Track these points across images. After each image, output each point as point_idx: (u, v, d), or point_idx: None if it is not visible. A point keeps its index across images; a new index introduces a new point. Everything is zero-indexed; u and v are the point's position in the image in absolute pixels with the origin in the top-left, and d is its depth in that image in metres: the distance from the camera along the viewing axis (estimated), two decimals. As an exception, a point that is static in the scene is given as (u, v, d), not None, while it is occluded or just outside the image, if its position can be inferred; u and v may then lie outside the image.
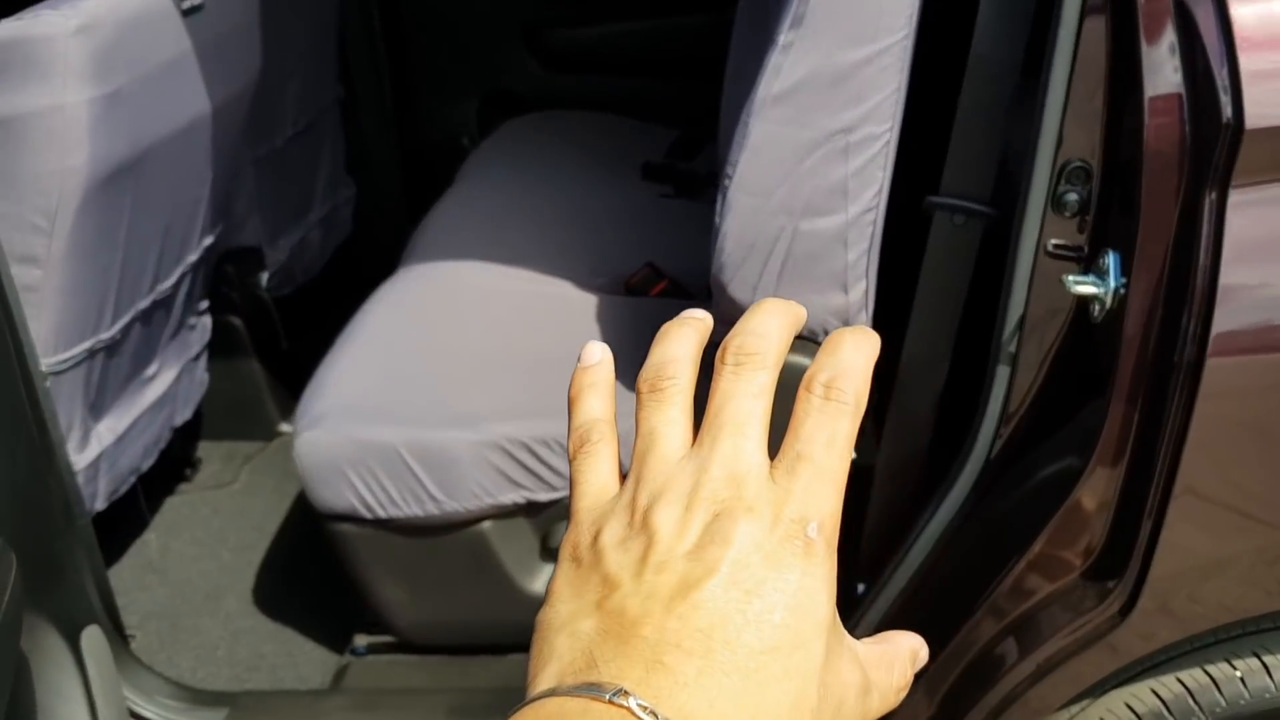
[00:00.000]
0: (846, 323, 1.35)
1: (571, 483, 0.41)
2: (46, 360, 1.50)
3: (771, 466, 0.38)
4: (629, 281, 1.92)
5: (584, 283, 1.91)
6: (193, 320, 1.99)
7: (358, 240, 2.86)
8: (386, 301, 1.79)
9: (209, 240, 1.90)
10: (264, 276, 2.34)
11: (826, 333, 1.31)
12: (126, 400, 1.76)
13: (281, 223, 2.40)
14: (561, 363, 1.65)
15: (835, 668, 0.36)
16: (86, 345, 1.56)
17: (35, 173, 1.38)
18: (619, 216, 2.16)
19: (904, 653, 0.40)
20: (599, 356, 0.44)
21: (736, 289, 1.34)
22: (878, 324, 1.38)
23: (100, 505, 1.73)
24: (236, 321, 2.20)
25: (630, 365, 1.49)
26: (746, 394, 0.40)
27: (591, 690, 0.33)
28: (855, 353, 0.40)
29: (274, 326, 2.34)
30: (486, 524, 1.49)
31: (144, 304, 1.70)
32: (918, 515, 1.39)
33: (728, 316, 1.40)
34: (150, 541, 2.05)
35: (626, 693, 0.32)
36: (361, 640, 1.67)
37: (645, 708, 0.32)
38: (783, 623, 0.34)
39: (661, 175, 2.37)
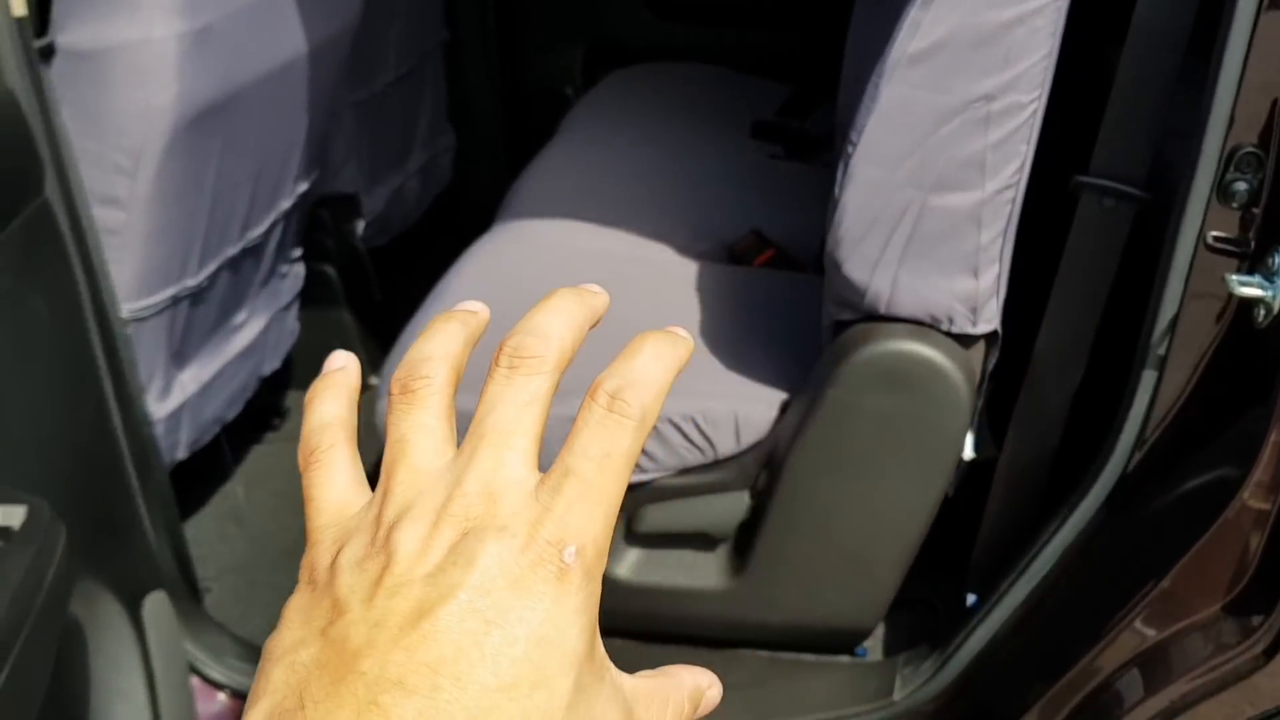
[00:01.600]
0: (974, 310, 1.23)
1: (305, 499, 0.37)
2: (128, 306, 1.46)
3: (539, 482, 0.34)
4: (732, 249, 1.81)
5: (684, 248, 1.80)
6: (284, 268, 1.94)
7: (456, 191, 2.79)
8: (476, 260, 1.70)
9: (303, 186, 1.84)
10: (360, 225, 2.28)
11: (951, 320, 1.19)
12: (212, 349, 1.72)
13: (379, 170, 2.34)
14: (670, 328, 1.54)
15: (589, 707, 0.32)
16: (171, 292, 1.51)
17: (119, 110, 1.32)
18: (725, 177, 2.05)
19: (684, 689, 0.37)
20: (341, 363, 0.40)
21: (853, 267, 1.23)
22: (1009, 312, 1.25)
23: (182, 455, 1.69)
24: (329, 270, 2.15)
25: (727, 340, 1.38)
26: (516, 401, 0.36)
27: None
28: (653, 362, 0.37)
29: (368, 277, 2.28)
30: (570, 503, 1.41)
31: (233, 251, 1.64)
32: (1041, 525, 1.27)
33: (840, 296, 1.29)
34: (233, 492, 2.02)
35: None
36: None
37: None
38: (524, 657, 0.31)
39: (772, 134, 2.25)
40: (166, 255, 1.47)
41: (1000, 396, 1.35)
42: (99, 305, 1.35)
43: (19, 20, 1.18)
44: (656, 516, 1.41)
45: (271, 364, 1.95)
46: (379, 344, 2.27)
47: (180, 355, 1.63)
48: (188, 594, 1.51)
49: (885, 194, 1.18)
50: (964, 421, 1.27)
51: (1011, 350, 1.29)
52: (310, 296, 2.15)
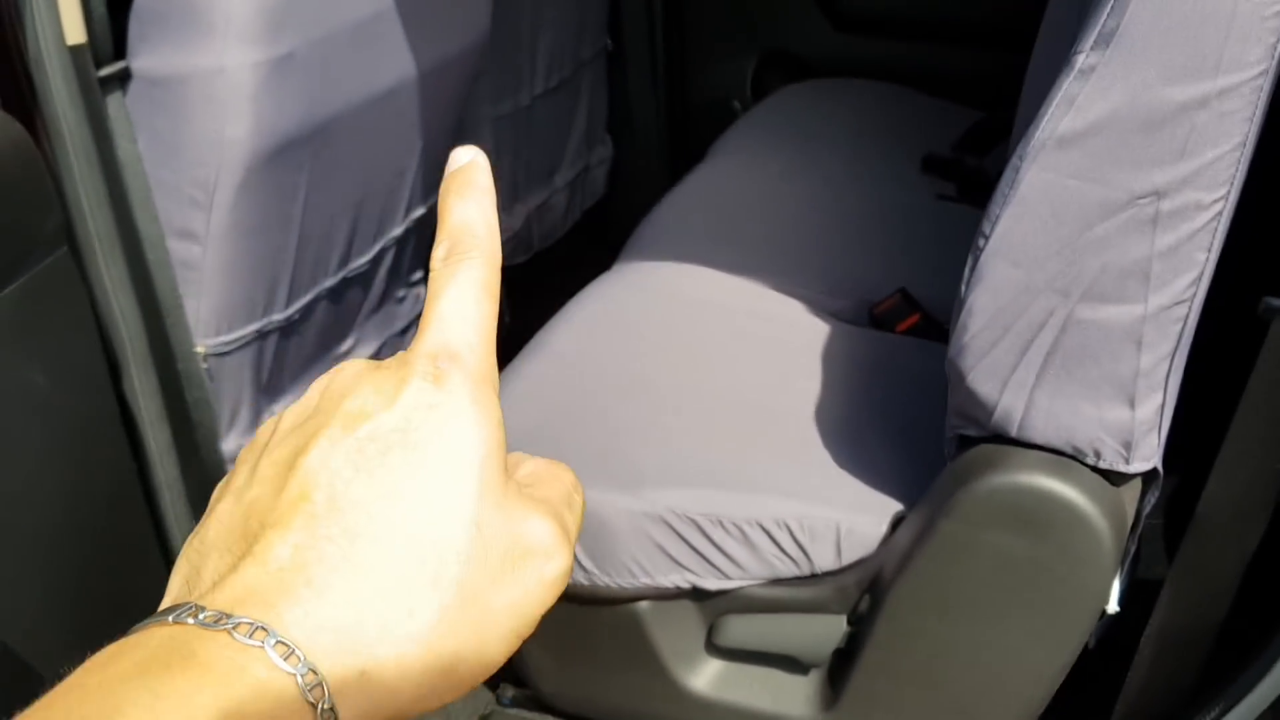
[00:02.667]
0: (1128, 445, 1.00)
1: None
2: (208, 341, 1.39)
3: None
4: (874, 309, 1.61)
5: (817, 304, 1.61)
6: (401, 292, 1.85)
7: (610, 205, 2.66)
8: (584, 307, 1.56)
9: (419, 211, 1.74)
10: (495, 243, 2.18)
11: (1098, 454, 0.97)
12: (310, 379, 1.64)
13: (520, 187, 2.23)
14: (763, 416, 1.38)
15: (494, 507, 0.32)
16: (256, 326, 1.44)
17: (192, 141, 1.24)
18: (881, 220, 1.83)
19: (570, 473, 0.38)
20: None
21: (980, 380, 1.02)
22: (1170, 449, 1.02)
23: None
24: (454, 292, 2.05)
25: (844, 429, 1.15)
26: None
27: (187, 613, 0.30)
28: (464, 206, 0.37)
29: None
30: (643, 604, 1.25)
31: (330, 282, 1.56)
32: (1196, 709, 1.03)
33: (963, 409, 1.08)
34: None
35: (227, 616, 0.29)
36: (508, 691, 1.48)
37: (253, 627, 0.29)
38: (404, 462, 0.32)
39: (945, 170, 2.01)
40: (248, 290, 1.39)
41: (1152, 549, 1.11)
42: (162, 345, 1.28)
43: (74, 48, 1.10)
44: (740, 630, 1.24)
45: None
46: (505, 367, 2.16)
47: (272, 388, 1.55)
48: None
49: (1023, 299, 0.97)
50: (1107, 574, 1.04)
51: (1176, 496, 1.05)
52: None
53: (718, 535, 1.20)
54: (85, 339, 1.11)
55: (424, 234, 1.83)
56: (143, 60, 1.22)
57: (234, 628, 0.29)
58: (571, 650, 1.33)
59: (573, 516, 0.36)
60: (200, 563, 0.32)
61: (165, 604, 0.32)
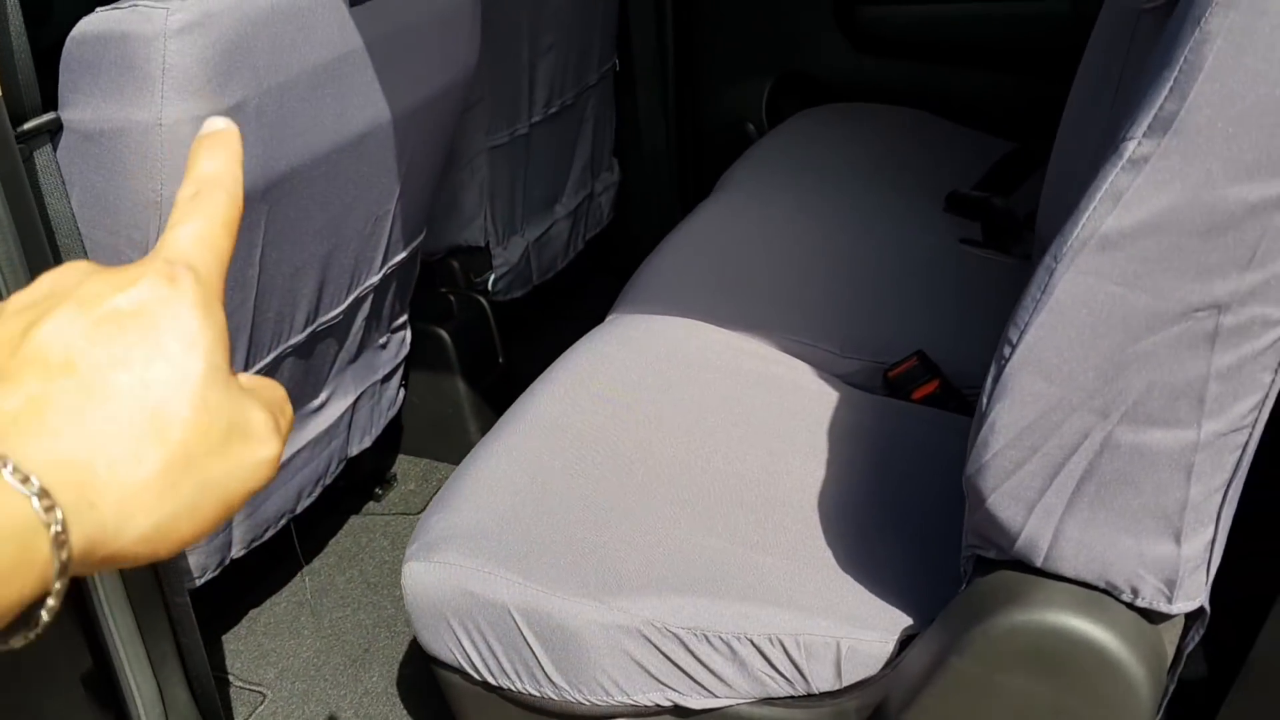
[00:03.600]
0: (1171, 584, 0.86)
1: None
2: (155, 410, 1.26)
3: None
4: (889, 373, 1.47)
5: (828, 365, 1.47)
6: (382, 339, 1.73)
7: (618, 233, 2.53)
8: (572, 367, 1.43)
9: (399, 256, 1.61)
10: (489, 279, 2.06)
11: (1136, 592, 0.83)
12: (276, 438, 1.52)
13: (518, 219, 2.10)
14: (760, 507, 1.22)
15: (218, 388, 0.35)
16: (209, 392, 1.31)
17: (128, 200, 1.12)
18: (897, 268, 1.70)
19: (281, 388, 0.41)
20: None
21: (1002, 504, 0.88)
22: (1217, 599, 0.88)
23: (237, 552, 1.51)
24: (442, 333, 1.93)
25: (846, 527, 0.96)
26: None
27: None
28: (213, 160, 0.41)
29: (490, 337, 2.06)
30: (620, 722, 1.13)
31: (297, 339, 1.43)
32: None
33: (982, 531, 0.95)
34: (319, 571, 1.84)
35: None
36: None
37: None
38: (138, 337, 0.34)
39: (969, 209, 1.86)
40: (200, 355, 1.27)
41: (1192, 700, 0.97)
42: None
43: (-13, 104, 0.98)
44: (728, 751, 1.11)
45: (360, 443, 1.75)
46: (496, 411, 2.04)
47: (231, 451, 1.43)
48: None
49: (1054, 416, 0.83)
50: (1144, 724, 0.90)
51: (1219, 645, 0.92)
52: (422, 360, 1.94)
53: (703, 651, 1.07)
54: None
55: (403, 279, 1.71)
56: (74, 112, 1.10)
57: None
58: (547, 763, 1.20)
59: (284, 420, 0.39)
60: None
61: None
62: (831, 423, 1.35)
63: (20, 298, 0.37)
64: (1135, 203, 0.76)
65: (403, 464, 2.07)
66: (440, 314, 1.98)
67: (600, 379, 1.41)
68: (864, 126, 2.19)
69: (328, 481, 1.68)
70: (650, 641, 1.07)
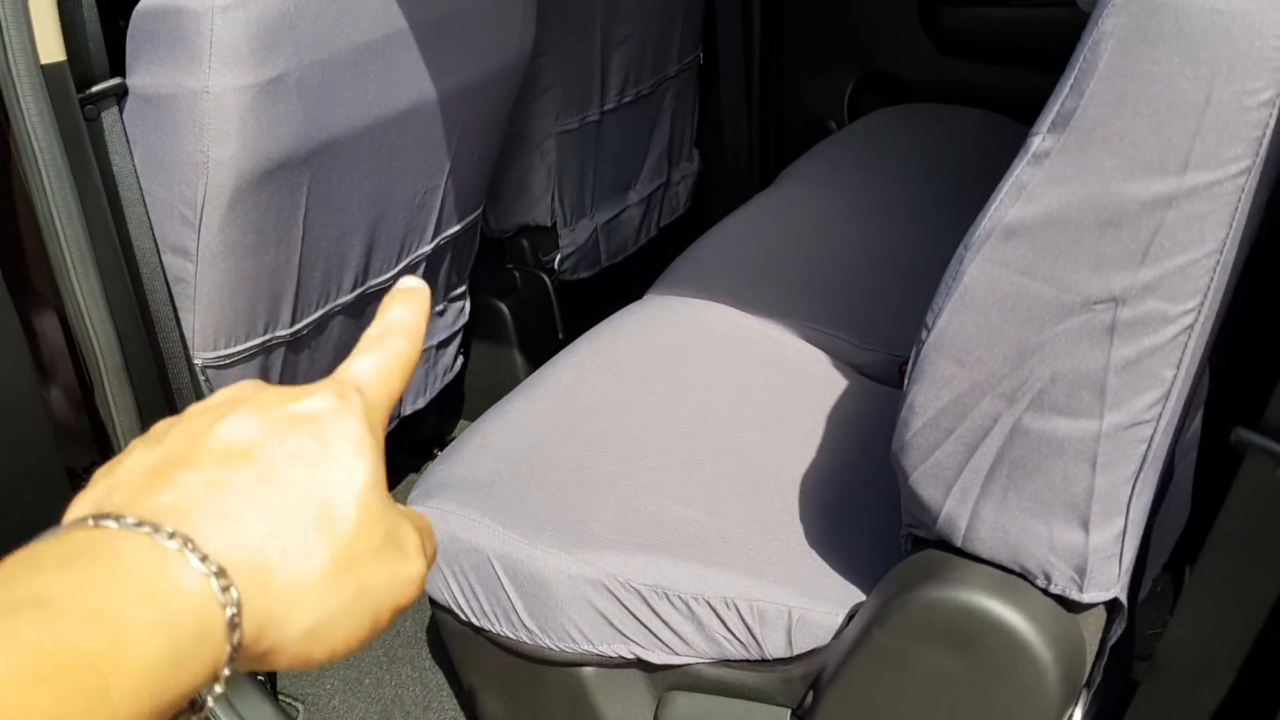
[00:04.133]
0: (1081, 572, 0.89)
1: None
2: (205, 354, 1.39)
3: None
4: (903, 367, 1.49)
5: (846, 355, 1.51)
6: (439, 306, 1.84)
7: (696, 221, 2.59)
8: (597, 340, 1.51)
9: (453, 229, 1.71)
10: (556, 258, 2.15)
11: (1049, 578, 0.87)
12: (327, 391, 1.63)
13: (587, 203, 2.18)
14: (744, 481, 1.27)
15: (379, 498, 0.37)
16: (257, 341, 1.44)
17: (180, 160, 1.24)
18: (936, 264, 1.71)
19: (428, 524, 0.42)
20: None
21: (923, 483, 0.92)
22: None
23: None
24: (502, 306, 2.03)
25: (821, 505, 1.09)
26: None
27: (107, 519, 0.33)
28: (403, 309, 0.44)
29: (551, 313, 2.14)
30: (589, 670, 1.19)
31: (346, 299, 1.54)
32: None
33: (909, 507, 0.98)
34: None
35: (149, 523, 0.32)
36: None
37: (172, 532, 0.32)
38: (310, 438, 0.36)
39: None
40: (248, 306, 1.39)
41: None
42: (146, 358, 1.29)
43: (49, 67, 1.11)
44: (686, 710, 1.17)
45: (415, 403, 1.85)
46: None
47: (281, 399, 1.55)
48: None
49: (966, 400, 0.87)
50: (1053, 709, 0.93)
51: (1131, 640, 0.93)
52: (483, 331, 2.04)
53: (663, 608, 1.13)
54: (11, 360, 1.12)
55: (459, 251, 1.81)
56: (137, 78, 1.22)
57: (155, 531, 0.32)
58: (521, 707, 1.28)
59: (429, 545, 0.41)
60: (108, 494, 0.35)
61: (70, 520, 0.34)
62: (834, 408, 1.39)
63: (200, 404, 0.39)
64: (1037, 195, 0.79)
65: (462, 429, 2.18)
66: (504, 288, 2.08)
67: (618, 354, 1.48)
68: (937, 127, 2.20)
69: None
70: (614, 595, 1.14)
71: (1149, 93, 0.73)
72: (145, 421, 1.30)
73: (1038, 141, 0.79)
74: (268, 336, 1.45)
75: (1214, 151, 0.73)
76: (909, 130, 2.19)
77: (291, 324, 1.47)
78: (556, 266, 2.16)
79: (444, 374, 1.93)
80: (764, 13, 2.42)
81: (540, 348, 2.13)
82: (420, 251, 1.66)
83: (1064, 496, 0.86)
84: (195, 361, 1.39)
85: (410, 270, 1.67)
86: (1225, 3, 0.69)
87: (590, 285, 2.28)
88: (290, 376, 1.54)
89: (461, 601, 1.22)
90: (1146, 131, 0.74)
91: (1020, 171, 0.80)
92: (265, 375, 1.49)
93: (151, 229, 1.29)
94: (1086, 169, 0.76)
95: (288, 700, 1.64)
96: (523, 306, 2.08)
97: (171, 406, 1.35)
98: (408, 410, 1.85)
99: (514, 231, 2.13)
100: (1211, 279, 0.77)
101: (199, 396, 1.40)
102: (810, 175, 2.03)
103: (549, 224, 2.11)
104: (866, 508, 1.21)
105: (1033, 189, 0.79)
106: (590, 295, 2.31)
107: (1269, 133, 0.72)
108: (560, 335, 2.17)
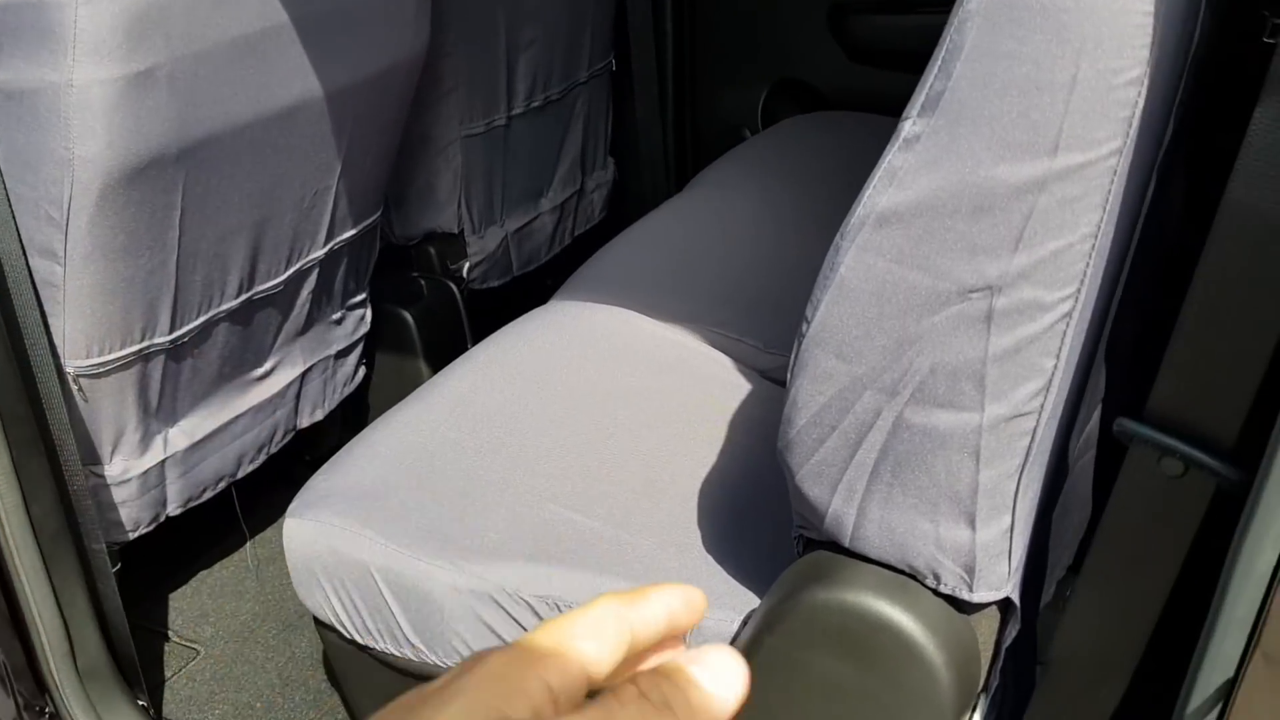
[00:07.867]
0: (970, 570, 0.86)
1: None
2: (77, 363, 1.33)
3: None
4: (808, 371, 1.47)
5: (750, 358, 1.49)
6: (336, 314, 1.78)
7: (610, 230, 2.55)
8: (495, 346, 1.46)
9: (348, 234, 1.66)
10: (464, 266, 2.10)
11: (938, 577, 0.84)
12: (215, 403, 1.57)
13: (495, 209, 2.14)
14: (644, 487, 1.23)
15: None
16: (134, 349, 1.37)
17: (45, 157, 1.18)
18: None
19: None
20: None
21: (808, 481, 0.89)
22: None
23: (173, 510, 1.57)
24: (405, 315, 1.98)
25: (724, 506, 1.03)
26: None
27: None
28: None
29: (459, 323, 2.10)
30: (477, 685, 1.15)
31: (230, 304, 1.49)
32: None
33: (797, 507, 0.96)
34: (270, 539, 1.90)
35: None
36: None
37: None
38: None
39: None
40: (121, 312, 1.33)
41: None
42: (18, 366, 1.23)
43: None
44: None
45: (312, 415, 1.79)
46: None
47: (164, 410, 1.49)
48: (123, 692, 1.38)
49: (848, 394, 0.84)
50: (946, 713, 0.90)
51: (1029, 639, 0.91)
52: (387, 341, 1.99)
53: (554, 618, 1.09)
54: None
55: (356, 257, 1.76)
56: (0, 73, 1.16)
57: None
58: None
59: None
60: None
61: None
62: (737, 412, 1.37)
63: None
64: (909, 181, 0.76)
65: (370, 443, 2.12)
66: (409, 297, 2.02)
67: (517, 360, 1.44)
68: (847, 135, 2.19)
69: (273, 450, 1.73)
70: (502, 607, 1.09)
71: (1016, 72, 0.71)
72: (10, 434, 1.23)
73: (908, 126, 0.77)
74: (145, 344, 1.39)
75: (1083, 132, 0.71)
76: (820, 137, 2.19)
77: (171, 330, 1.41)
78: (465, 275, 2.11)
79: (344, 385, 1.87)
80: (676, 21, 2.40)
81: (447, 358, 2.07)
82: (312, 256, 1.61)
83: (949, 492, 0.84)
84: (67, 370, 1.33)
85: (301, 276, 1.61)
86: (1090, -22, 0.67)
87: (505, 294, 2.24)
88: (172, 386, 1.48)
89: (344, 618, 1.17)
90: (1015, 113, 0.72)
91: (891, 157, 0.77)
92: (144, 384, 1.43)
93: (17, 230, 1.22)
94: (956, 152, 0.74)
95: (176, 726, 1.57)
96: (428, 315, 2.02)
97: (39, 417, 1.29)
98: (305, 423, 1.79)
99: (420, 238, 2.08)
100: (1087, 265, 0.75)
101: (70, 408, 1.34)
102: (721, 181, 2.01)
103: (456, 231, 2.07)
104: (767, 513, 1.18)
105: (904, 175, 0.77)
106: (505, 305, 2.26)
107: (1138, 113, 0.70)
108: (469, 345, 2.12)
